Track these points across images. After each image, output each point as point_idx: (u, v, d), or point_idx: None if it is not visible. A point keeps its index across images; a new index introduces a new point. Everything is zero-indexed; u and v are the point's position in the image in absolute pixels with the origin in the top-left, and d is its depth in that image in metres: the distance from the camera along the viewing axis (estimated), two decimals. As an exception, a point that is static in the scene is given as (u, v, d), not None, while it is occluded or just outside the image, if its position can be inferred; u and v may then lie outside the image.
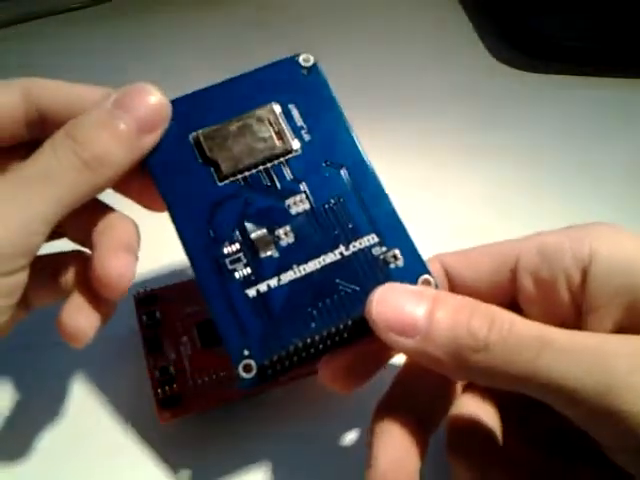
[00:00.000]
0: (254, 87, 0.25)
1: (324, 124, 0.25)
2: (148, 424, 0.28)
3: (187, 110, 0.25)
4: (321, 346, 0.22)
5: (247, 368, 0.22)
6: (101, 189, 0.23)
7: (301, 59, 0.26)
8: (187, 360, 0.28)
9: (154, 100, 0.23)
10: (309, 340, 0.22)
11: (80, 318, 0.23)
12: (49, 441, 0.28)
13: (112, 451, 0.27)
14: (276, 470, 0.27)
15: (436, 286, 0.23)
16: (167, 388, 0.27)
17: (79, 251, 0.25)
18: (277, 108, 0.25)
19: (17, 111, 0.24)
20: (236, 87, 0.25)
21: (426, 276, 0.23)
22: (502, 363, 0.19)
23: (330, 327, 0.22)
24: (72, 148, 0.22)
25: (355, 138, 0.25)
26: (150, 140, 0.23)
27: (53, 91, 0.24)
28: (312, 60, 0.26)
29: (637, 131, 0.45)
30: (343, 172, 0.24)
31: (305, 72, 0.26)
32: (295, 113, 0.25)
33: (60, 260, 0.25)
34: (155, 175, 0.24)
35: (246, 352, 0.22)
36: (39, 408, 0.29)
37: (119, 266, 0.23)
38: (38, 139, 0.24)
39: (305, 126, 0.25)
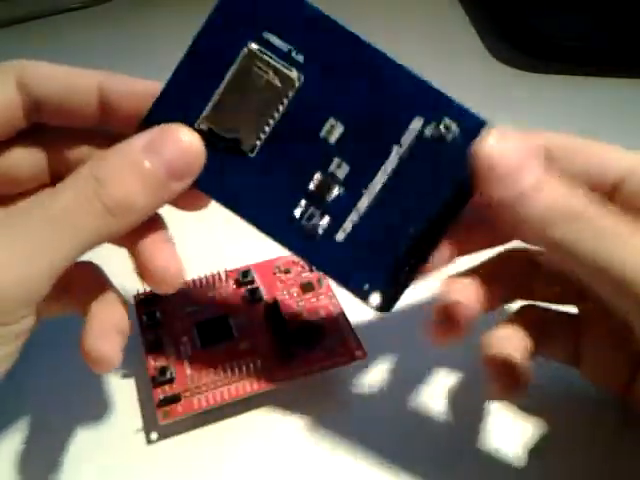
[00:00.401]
0: (215, 39, 0.22)
1: (309, 32, 0.22)
2: (148, 424, 0.28)
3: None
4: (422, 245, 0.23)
5: (374, 299, 0.24)
6: (122, 234, 0.22)
7: None
8: (187, 360, 0.28)
9: (187, 144, 0.21)
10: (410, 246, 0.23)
11: (105, 344, 0.23)
12: (46, 440, 0.28)
13: (111, 451, 0.27)
14: (277, 470, 0.27)
15: None
16: (167, 388, 0.27)
17: (90, 263, 0.25)
18: (254, 46, 0.22)
19: (14, 102, 0.22)
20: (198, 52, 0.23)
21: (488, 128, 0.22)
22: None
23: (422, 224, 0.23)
24: (95, 190, 0.20)
25: (343, 26, 0.22)
26: (179, 187, 0.22)
27: (48, 78, 0.23)
28: None
29: (637, 131, 0.45)
30: (353, 73, 0.22)
31: None
32: (274, 40, 0.22)
33: (72, 272, 0.24)
34: (207, 191, 0.23)
35: (366, 286, 0.24)
36: (36, 407, 0.29)
37: None
38: (37, 124, 0.23)
39: (292, 47, 0.22)
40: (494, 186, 0.21)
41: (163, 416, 0.27)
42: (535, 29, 0.51)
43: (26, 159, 0.24)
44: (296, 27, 0.22)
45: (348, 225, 0.23)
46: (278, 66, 0.22)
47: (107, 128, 0.24)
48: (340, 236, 0.23)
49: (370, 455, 0.27)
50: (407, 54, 0.52)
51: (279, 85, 0.22)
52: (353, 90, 0.22)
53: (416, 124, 0.22)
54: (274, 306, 0.30)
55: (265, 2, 0.21)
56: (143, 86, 0.23)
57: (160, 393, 0.27)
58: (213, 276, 0.32)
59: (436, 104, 0.22)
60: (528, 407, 0.28)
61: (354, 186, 0.23)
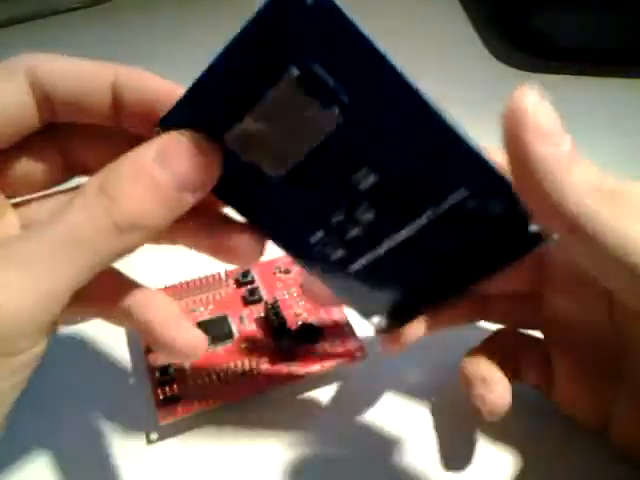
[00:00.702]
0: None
1: (360, 71, 0.18)
2: (148, 424, 0.28)
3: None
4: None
5: (379, 326, 0.25)
6: (134, 250, 0.21)
7: None
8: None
9: (202, 157, 0.20)
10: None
11: (184, 331, 0.22)
12: (46, 442, 0.28)
13: (111, 452, 0.27)
14: (277, 471, 0.27)
15: None
16: (167, 388, 0.27)
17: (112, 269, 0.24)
18: (296, 73, 0.18)
19: (28, 105, 0.21)
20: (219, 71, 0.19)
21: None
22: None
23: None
24: (105, 207, 0.19)
25: (403, 75, 0.19)
26: (193, 200, 0.20)
27: (60, 75, 0.21)
28: None
29: (637, 131, 0.45)
30: (402, 127, 0.19)
31: (320, 13, 0.17)
32: (321, 72, 0.18)
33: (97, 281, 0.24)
34: (223, 199, 0.22)
35: (375, 319, 0.24)
36: (35, 409, 0.29)
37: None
38: (50, 123, 0.22)
39: (338, 84, 0.19)
40: (539, 141, 0.18)
41: (163, 416, 0.27)
42: (535, 29, 0.51)
43: (41, 161, 0.23)
44: (348, 62, 0.18)
45: (362, 261, 0.23)
46: (319, 102, 0.19)
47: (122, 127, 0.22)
48: (353, 268, 0.23)
49: (369, 456, 0.27)
50: (407, 54, 0.52)
51: (316, 121, 0.19)
52: (397, 145, 0.20)
53: (460, 194, 0.20)
54: (274, 306, 0.30)
55: (317, 23, 0.17)
56: (157, 87, 0.22)
57: (160, 393, 0.27)
58: (213, 276, 0.32)
59: (491, 185, 0.20)
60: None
61: (376, 233, 0.22)
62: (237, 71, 0.19)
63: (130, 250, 0.20)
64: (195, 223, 0.23)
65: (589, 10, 0.51)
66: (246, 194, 0.22)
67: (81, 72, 0.22)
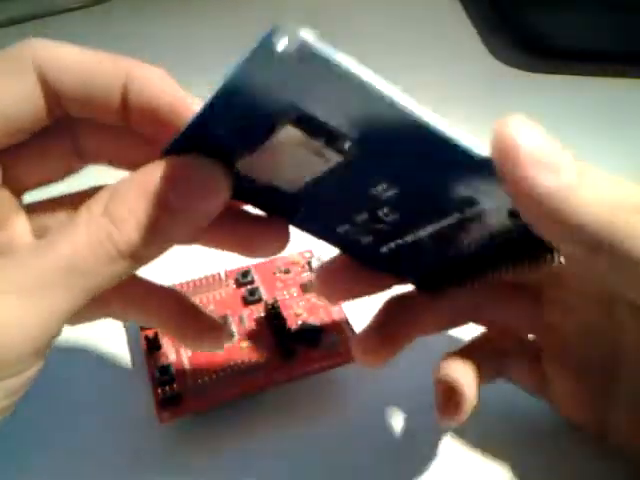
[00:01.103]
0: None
1: (352, 103, 0.17)
2: (148, 425, 0.28)
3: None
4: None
5: None
6: (134, 272, 0.20)
7: (278, 45, 0.15)
8: (187, 360, 0.28)
9: (210, 186, 0.19)
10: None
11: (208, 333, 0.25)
12: (45, 441, 0.28)
13: (111, 451, 0.27)
14: (277, 470, 0.27)
15: None
16: (167, 388, 0.27)
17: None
18: (291, 117, 0.17)
19: (38, 105, 0.21)
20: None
21: None
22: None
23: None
24: (107, 231, 0.19)
25: (394, 100, 0.16)
26: (203, 223, 0.20)
27: (70, 74, 0.20)
28: (298, 38, 0.15)
29: (637, 131, 0.45)
30: (407, 145, 0.18)
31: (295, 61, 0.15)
32: (315, 112, 0.17)
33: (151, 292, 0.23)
34: (242, 200, 0.22)
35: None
36: (36, 409, 0.29)
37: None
38: (59, 119, 0.22)
39: (337, 120, 0.17)
40: (536, 176, 0.17)
41: (163, 416, 0.26)
42: (535, 29, 0.51)
43: (51, 152, 0.23)
44: (336, 95, 0.17)
45: (391, 245, 0.23)
46: (323, 141, 0.18)
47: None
48: (381, 250, 0.23)
49: (370, 456, 0.27)
50: (407, 54, 0.52)
51: (323, 156, 0.19)
52: (411, 164, 0.19)
53: (484, 204, 0.20)
54: (274, 306, 0.30)
55: (294, 67, 0.15)
56: (170, 97, 0.21)
57: (160, 393, 0.27)
58: (213, 276, 0.32)
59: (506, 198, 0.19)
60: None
61: (401, 229, 0.22)
62: (235, 114, 0.18)
63: (129, 274, 0.20)
64: (215, 223, 0.21)
65: (589, 10, 0.51)
66: (264, 199, 0.22)
67: (92, 71, 0.21)
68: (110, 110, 0.21)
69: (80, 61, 0.21)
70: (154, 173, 0.19)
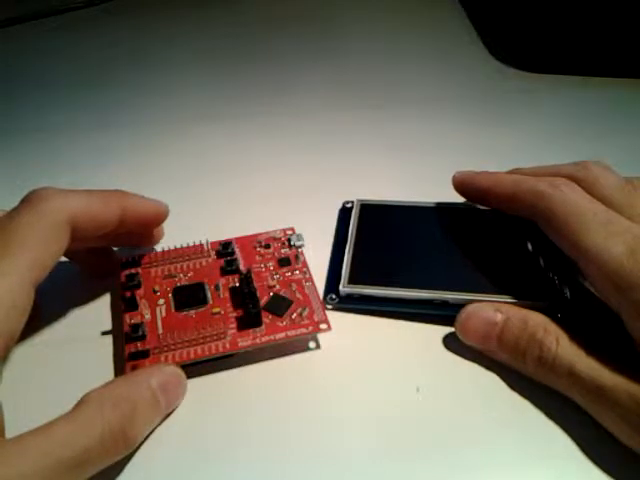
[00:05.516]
0: None
1: None
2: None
3: None
4: None
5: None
6: None
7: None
8: (161, 320, 0.29)
9: (184, 385, 0.27)
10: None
11: None
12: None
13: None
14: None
15: None
16: (138, 344, 0.28)
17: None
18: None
19: (114, 224, 0.28)
20: None
21: None
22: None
23: None
24: (124, 433, 0.23)
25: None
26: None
27: (138, 207, 0.30)
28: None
29: (637, 131, 0.44)
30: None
31: None
32: None
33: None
34: None
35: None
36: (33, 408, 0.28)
37: None
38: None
39: None
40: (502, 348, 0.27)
41: (131, 369, 0.27)
42: (535, 29, 0.51)
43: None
44: None
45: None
46: None
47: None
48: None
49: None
50: (407, 54, 0.52)
51: None
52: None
53: None
54: (247, 276, 0.29)
55: None
56: (152, 210, 0.30)
57: (131, 348, 0.28)
58: (195, 246, 0.33)
59: None
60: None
61: None
62: None
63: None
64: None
65: (588, 10, 0.51)
66: None
67: (98, 215, 0.28)
68: (110, 230, 0.29)
69: (144, 201, 0.30)
70: (153, 381, 0.25)
